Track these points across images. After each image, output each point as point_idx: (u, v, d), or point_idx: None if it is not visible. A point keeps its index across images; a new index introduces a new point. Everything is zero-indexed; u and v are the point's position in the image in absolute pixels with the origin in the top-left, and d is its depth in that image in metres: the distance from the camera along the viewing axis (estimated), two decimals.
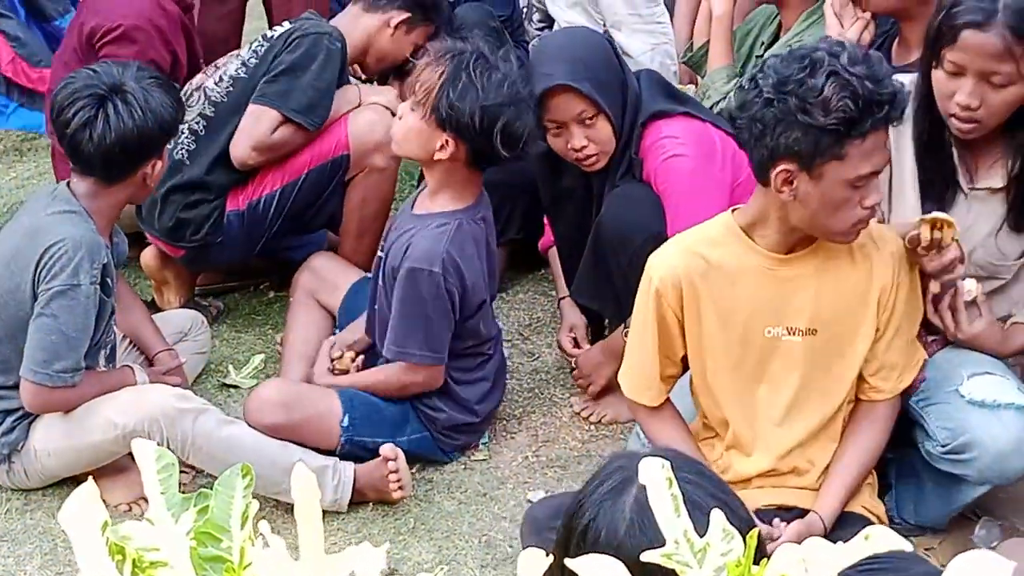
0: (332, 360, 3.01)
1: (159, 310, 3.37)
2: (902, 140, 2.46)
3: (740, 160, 2.75)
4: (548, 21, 4.95)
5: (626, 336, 2.59)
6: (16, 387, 2.71)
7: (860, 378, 2.39)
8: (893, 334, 2.35)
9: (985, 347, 2.49)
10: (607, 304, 3.08)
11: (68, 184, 2.76)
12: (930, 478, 2.56)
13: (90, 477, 1.12)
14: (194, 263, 3.38)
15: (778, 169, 2.17)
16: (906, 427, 2.52)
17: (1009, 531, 2.63)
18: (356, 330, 3.06)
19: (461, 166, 2.74)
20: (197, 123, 3.27)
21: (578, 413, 3.09)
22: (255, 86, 3.23)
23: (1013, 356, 2.54)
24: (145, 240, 3.70)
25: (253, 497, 1.06)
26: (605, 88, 2.82)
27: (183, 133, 3.25)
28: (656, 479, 1.02)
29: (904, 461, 2.63)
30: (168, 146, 2.85)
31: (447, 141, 2.68)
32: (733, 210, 2.35)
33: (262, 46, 3.31)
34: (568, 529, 1.45)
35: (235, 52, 3.43)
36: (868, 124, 2.10)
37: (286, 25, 3.34)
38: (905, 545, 0.93)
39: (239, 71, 3.29)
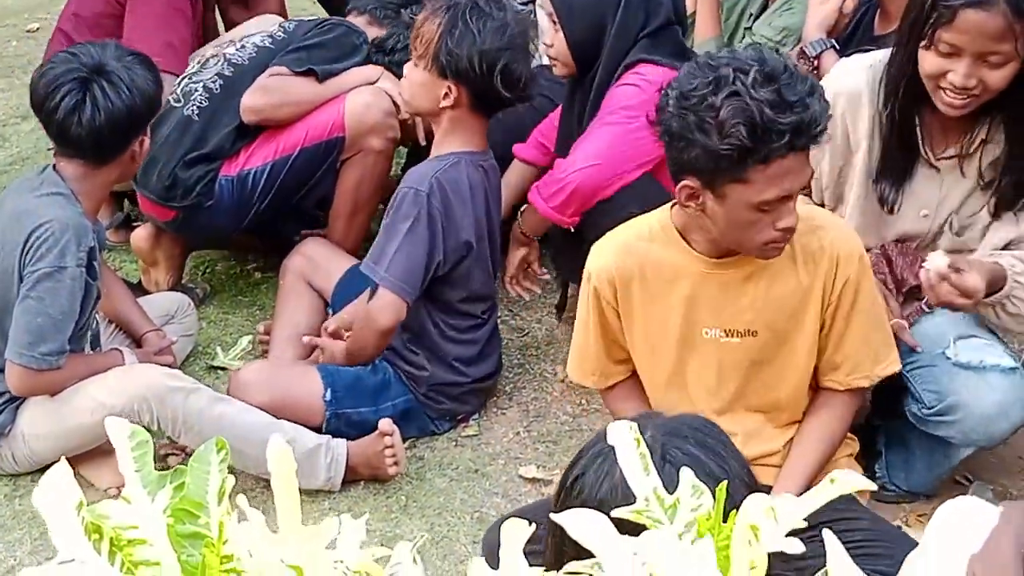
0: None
1: (144, 292, 3.36)
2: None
3: None
4: None
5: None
6: (1, 371, 2.70)
7: (816, 367, 2.33)
8: (843, 328, 2.26)
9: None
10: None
11: (55, 167, 2.74)
12: (917, 444, 2.56)
13: (63, 458, 1.10)
14: (184, 228, 3.35)
15: (681, 184, 2.10)
16: (893, 394, 2.51)
17: (1001, 495, 2.63)
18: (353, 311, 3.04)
19: (466, 113, 2.80)
20: (213, 82, 3.28)
21: (563, 380, 3.11)
22: (279, 55, 3.28)
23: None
24: (133, 222, 3.70)
25: (237, 474, 1.05)
26: (575, 11, 2.93)
27: (196, 91, 3.27)
28: (624, 440, 1.03)
29: (892, 428, 2.62)
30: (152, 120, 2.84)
31: (450, 88, 2.75)
32: (672, 205, 2.28)
33: (292, 24, 3.39)
34: (563, 479, 1.45)
35: (257, 30, 3.47)
36: (763, 152, 1.99)
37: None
38: (869, 485, 0.94)
39: (264, 41, 3.34)
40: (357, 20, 3.48)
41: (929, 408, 2.43)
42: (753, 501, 0.90)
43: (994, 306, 2.33)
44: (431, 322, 2.89)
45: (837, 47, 2.94)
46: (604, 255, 2.32)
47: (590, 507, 1.30)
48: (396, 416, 2.85)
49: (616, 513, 0.91)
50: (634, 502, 1.33)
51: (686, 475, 0.93)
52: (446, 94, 2.76)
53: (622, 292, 2.30)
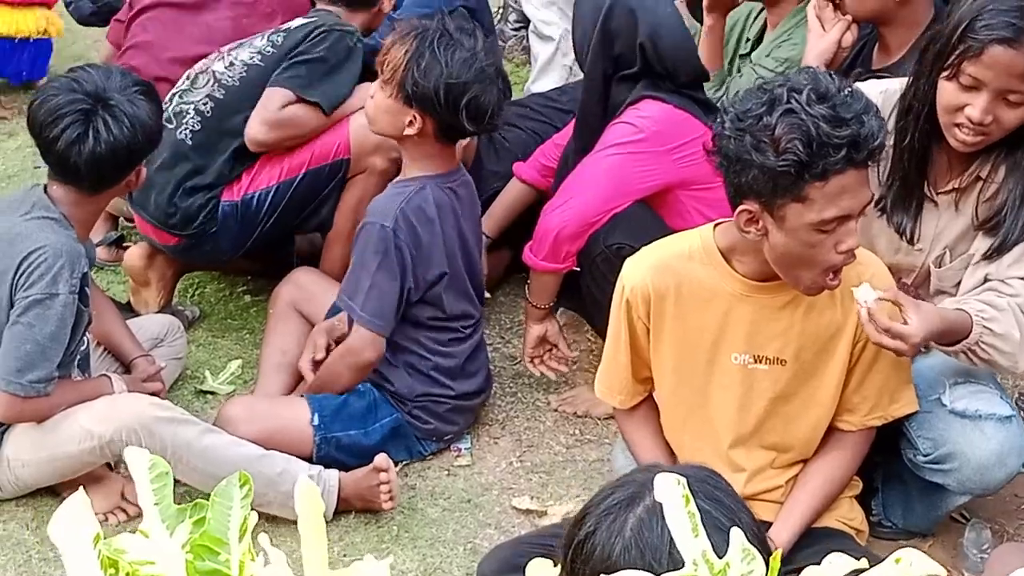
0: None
1: (133, 313, 3.31)
2: None
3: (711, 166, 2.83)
4: (524, 21, 4.92)
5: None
6: None
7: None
8: (867, 368, 2.27)
9: (944, 340, 2.28)
10: (582, 307, 3.13)
11: (45, 189, 2.70)
12: (915, 484, 2.54)
13: (80, 487, 1.07)
14: (186, 253, 3.31)
15: (740, 208, 2.09)
16: (892, 434, 2.49)
17: (998, 534, 2.62)
18: (321, 333, 3.01)
19: (431, 140, 2.77)
20: (204, 104, 3.22)
21: (555, 409, 3.10)
22: (271, 73, 3.19)
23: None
24: (125, 242, 3.66)
25: None
26: (575, 21, 3.10)
27: (188, 114, 3.21)
28: (673, 497, 0.98)
29: (891, 466, 2.60)
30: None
31: (415, 117, 2.73)
32: (716, 225, 2.27)
33: (279, 35, 3.27)
34: (570, 537, 1.41)
35: (240, 41, 3.35)
36: (821, 167, 1.98)
37: (303, 20, 3.31)
38: (938, 570, 0.89)
39: (253, 58, 3.25)
40: (333, 9, 3.35)
41: (925, 456, 2.41)
42: (810, 574, 0.86)
43: (964, 352, 2.29)
44: (410, 337, 2.88)
45: None
46: (640, 270, 2.30)
47: (602, 567, 1.26)
48: (385, 436, 2.84)
49: None
50: (647, 562, 1.29)
51: (736, 537, 0.89)
52: (410, 122, 2.73)
53: (655, 308, 2.28)
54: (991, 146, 2.33)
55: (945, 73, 2.26)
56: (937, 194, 2.42)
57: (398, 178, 2.89)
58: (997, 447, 2.35)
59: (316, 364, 2.94)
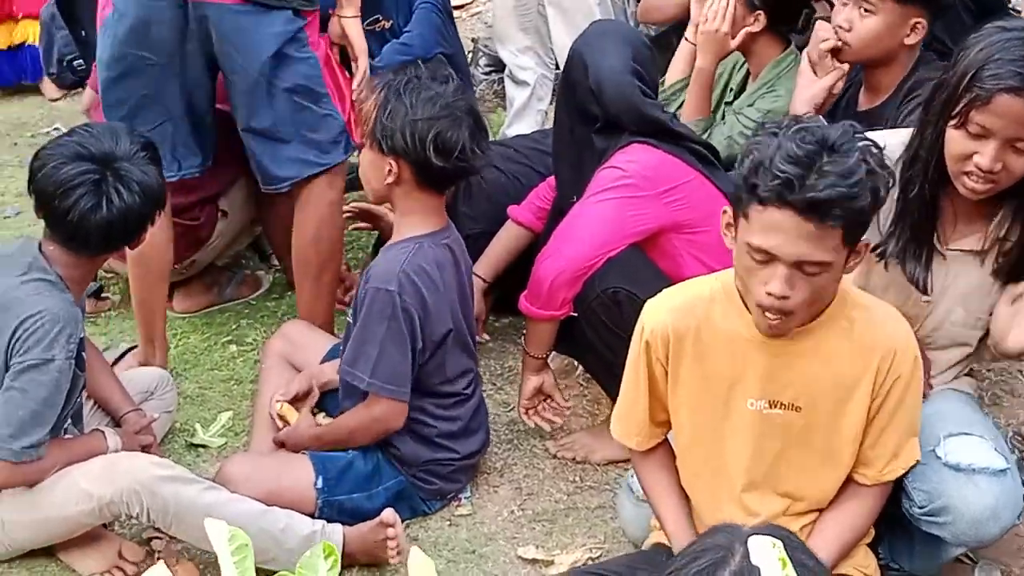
0: (276, 413, 2.94)
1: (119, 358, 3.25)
2: None
3: (702, 209, 2.83)
4: (495, 65, 4.94)
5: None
6: None
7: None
8: (886, 423, 2.27)
9: None
10: (576, 352, 3.11)
11: (40, 247, 2.65)
12: (916, 532, 2.52)
13: (160, 562, 1.04)
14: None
15: (724, 208, 2.16)
16: (896, 481, 2.48)
17: (1006, 574, 2.62)
18: (304, 378, 3.00)
19: (415, 189, 2.73)
20: None
21: (554, 456, 3.07)
22: None
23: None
24: (104, 292, 3.60)
25: None
26: (566, 85, 3.03)
27: None
28: (769, 560, 0.97)
29: (894, 512, 2.59)
30: None
31: (391, 164, 2.70)
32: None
33: None
34: None
35: None
36: (758, 191, 2.00)
37: None
38: None
39: None
40: None
41: (920, 507, 2.40)
42: None
43: None
44: (414, 405, 2.81)
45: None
46: (661, 312, 2.30)
47: None
48: (389, 499, 2.79)
49: None
50: None
51: None
52: (389, 170, 2.70)
53: (675, 351, 2.27)
54: (1001, 200, 2.35)
55: (953, 122, 2.28)
56: (946, 248, 2.44)
57: (392, 240, 2.84)
58: (992, 502, 2.34)
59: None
